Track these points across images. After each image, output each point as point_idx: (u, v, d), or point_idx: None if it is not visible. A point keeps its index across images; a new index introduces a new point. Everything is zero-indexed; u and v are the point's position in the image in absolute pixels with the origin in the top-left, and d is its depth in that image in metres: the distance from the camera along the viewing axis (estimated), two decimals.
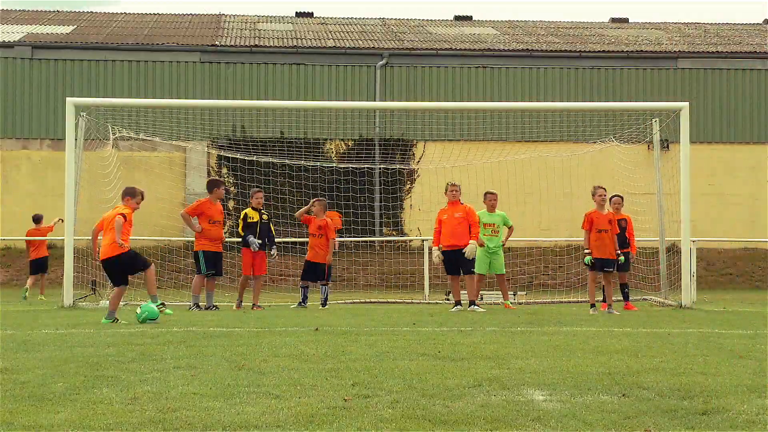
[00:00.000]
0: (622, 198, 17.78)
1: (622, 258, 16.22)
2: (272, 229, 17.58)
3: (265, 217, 17.30)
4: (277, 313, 15.60)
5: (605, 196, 16.22)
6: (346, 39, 35.97)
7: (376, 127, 33.01)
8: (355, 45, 34.73)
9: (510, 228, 18.05)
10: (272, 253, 17.33)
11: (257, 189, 18.19)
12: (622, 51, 35.12)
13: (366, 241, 28.89)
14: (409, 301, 20.73)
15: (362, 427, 5.21)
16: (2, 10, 39.20)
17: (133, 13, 40.49)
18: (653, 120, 20.46)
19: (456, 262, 16.72)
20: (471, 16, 41.98)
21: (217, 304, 16.88)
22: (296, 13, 41.28)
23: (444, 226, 16.84)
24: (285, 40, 35.45)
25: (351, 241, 27.04)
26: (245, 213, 17.35)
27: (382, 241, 30.46)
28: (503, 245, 17.88)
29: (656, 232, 20.33)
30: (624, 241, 17.20)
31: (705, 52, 35.19)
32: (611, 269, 16.00)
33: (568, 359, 8.06)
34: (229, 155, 29.62)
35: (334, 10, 73.19)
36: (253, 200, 17.44)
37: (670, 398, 6.07)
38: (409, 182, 33.06)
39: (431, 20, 41.16)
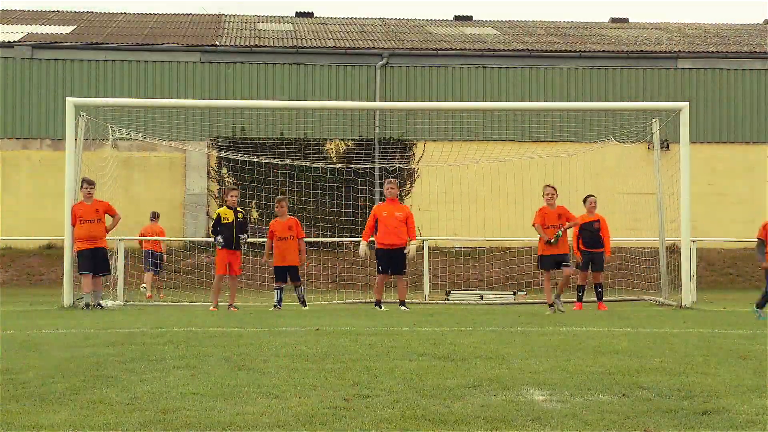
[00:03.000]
0: (596, 198, 17.90)
1: (559, 232, 15.99)
2: (247, 228, 17.20)
3: (240, 215, 16.86)
4: (276, 312, 15.59)
5: (551, 194, 16.20)
6: (346, 39, 35.96)
7: (376, 127, 33.00)
8: (355, 45, 34.73)
9: None
10: (242, 237, 16.74)
11: (232, 187, 18.04)
12: (622, 51, 35.11)
13: None
14: (408, 300, 20.68)
15: (362, 427, 5.21)
16: (2, 10, 39.20)
17: (133, 13, 40.48)
18: (653, 120, 20.46)
19: (394, 261, 16.53)
20: (471, 16, 41.97)
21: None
22: (296, 13, 41.29)
23: (381, 223, 16.55)
24: (285, 40, 35.44)
25: (351, 242, 27.01)
26: (219, 212, 16.93)
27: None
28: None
29: (656, 232, 20.32)
30: (597, 241, 17.36)
31: (705, 52, 35.18)
32: (568, 263, 15.98)
33: (568, 359, 8.05)
34: (229, 155, 29.61)
35: (334, 10, 73.06)
36: (228, 199, 17.07)
37: (670, 398, 6.07)
38: (409, 182, 33.04)
39: (431, 20, 41.15)
